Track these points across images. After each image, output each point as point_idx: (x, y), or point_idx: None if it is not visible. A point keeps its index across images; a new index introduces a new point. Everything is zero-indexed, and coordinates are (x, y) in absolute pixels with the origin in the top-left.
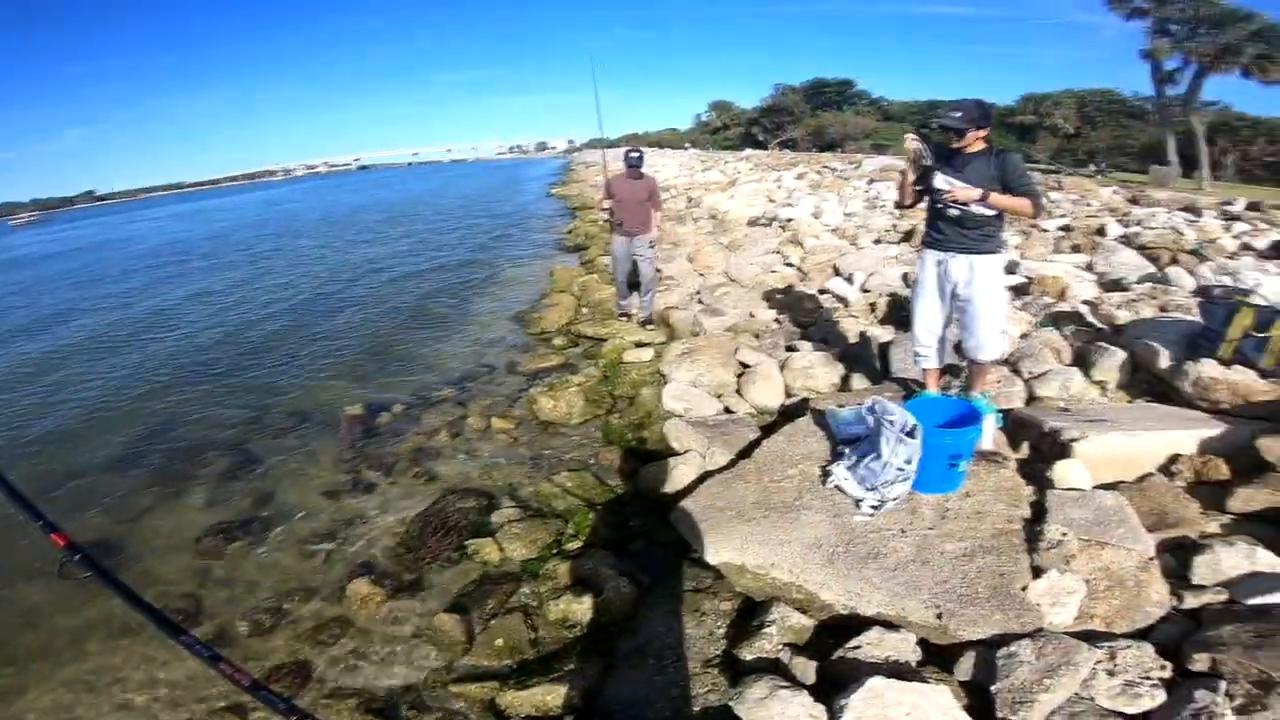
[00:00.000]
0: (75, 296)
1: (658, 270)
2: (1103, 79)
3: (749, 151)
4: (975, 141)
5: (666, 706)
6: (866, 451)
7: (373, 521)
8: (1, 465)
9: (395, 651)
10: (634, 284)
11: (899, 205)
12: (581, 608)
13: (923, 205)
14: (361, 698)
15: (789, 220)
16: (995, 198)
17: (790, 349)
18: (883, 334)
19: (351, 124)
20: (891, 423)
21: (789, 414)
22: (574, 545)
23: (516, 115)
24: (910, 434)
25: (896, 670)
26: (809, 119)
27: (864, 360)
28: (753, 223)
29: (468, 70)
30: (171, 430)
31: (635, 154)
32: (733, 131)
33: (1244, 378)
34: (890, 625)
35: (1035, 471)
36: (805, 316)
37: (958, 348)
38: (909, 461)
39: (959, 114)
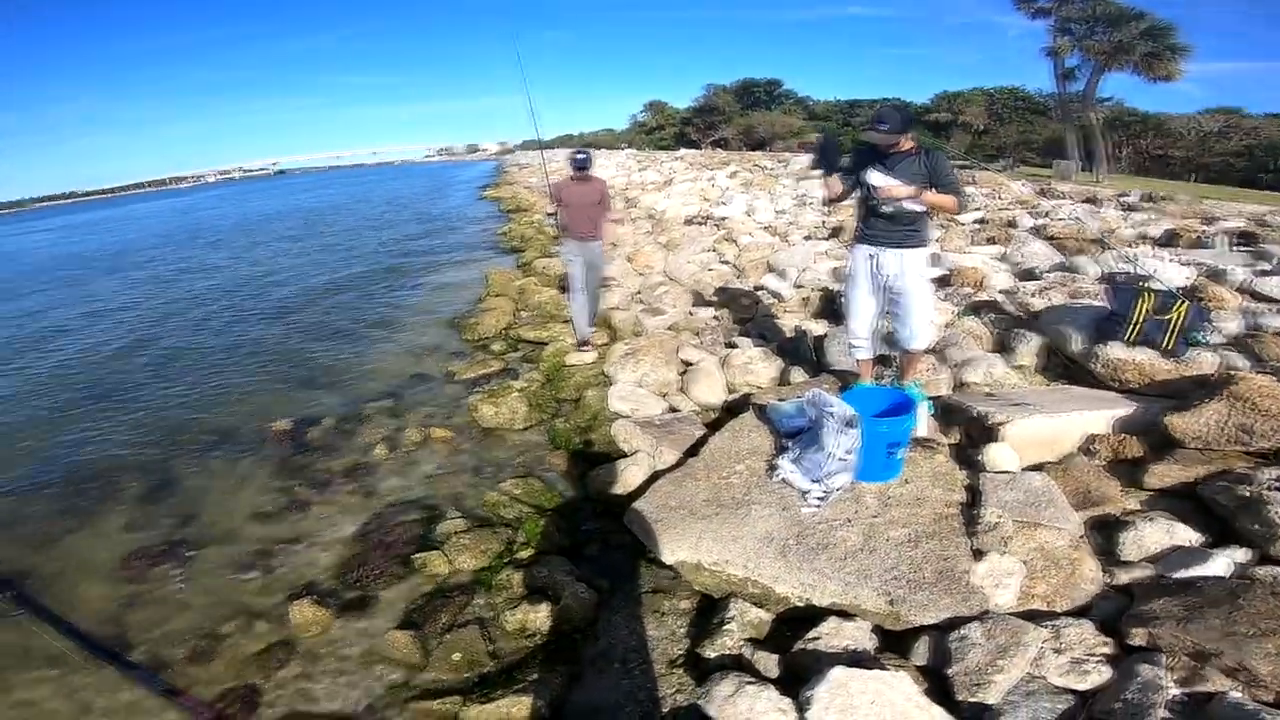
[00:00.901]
0: None
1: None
2: (1009, 77)
3: (683, 151)
4: (905, 142)
5: (636, 710)
6: (809, 444)
7: (311, 540)
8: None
9: (347, 672)
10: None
11: (827, 202)
12: (540, 616)
13: (850, 201)
14: None
15: (723, 219)
16: (927, 195)
17: (730, 345)
18: (817, 327)
19: (267, 127)
20: (831, 414)
21: (733, 410)
22: (527, 553)
23: (447, 119)
24: (850, 424)
25: (856, 659)
26: (739, 118)
27: (801, 354)
28: (689, 221)
29: (393, 73)
30: (78, 454)
31: (582, 155)
32: (667, 131)
33: (1149, 358)
34: (846, 614)
35: (967, 456)
36: (743, 313)
37: (888, 338)
38: (850, 451)
39: (885, 126)
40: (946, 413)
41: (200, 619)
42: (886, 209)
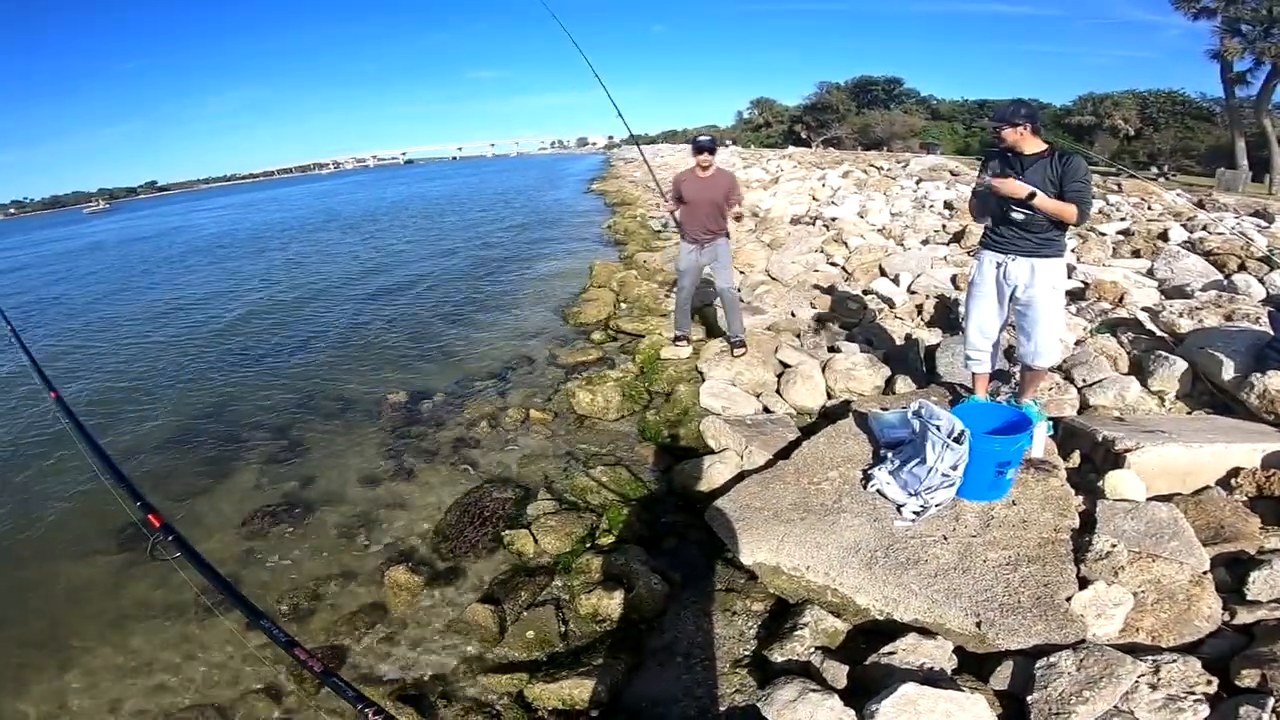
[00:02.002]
0: (144, 280)
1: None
2: (1161, 79)
3: (792, 149)
4: (1030, 140)
5: (692, 705)
6: (910, 456)
7: (412, 508)
8: (110, 451)
9: (429, 639)
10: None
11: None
12: (612, 603)
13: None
14: (394, 684)
15: (833, 219)
16: (1040, 200)
17: (833, 350)
18: (929, 336)
19: (398, 119)
20: (938, 427)
21: (830, 415)
22: (607, 540)
23: (559, 111)
24: (957, 439)
25: (930, 677)
26: (854, 117)
27: (909, 363)
28: (795, 221)
29: (507, 68)
30: (223, 413)
31: (706, 139)
32: (775, 129)
33: None
34: (927, 632)
35: (1086, 481)
36: (849, 317)
37: (1008, 353)
38: (955, 467)
39: (1006, 113)
40: (1068, 435)
41: (306, 577)
42: (1017, 215)
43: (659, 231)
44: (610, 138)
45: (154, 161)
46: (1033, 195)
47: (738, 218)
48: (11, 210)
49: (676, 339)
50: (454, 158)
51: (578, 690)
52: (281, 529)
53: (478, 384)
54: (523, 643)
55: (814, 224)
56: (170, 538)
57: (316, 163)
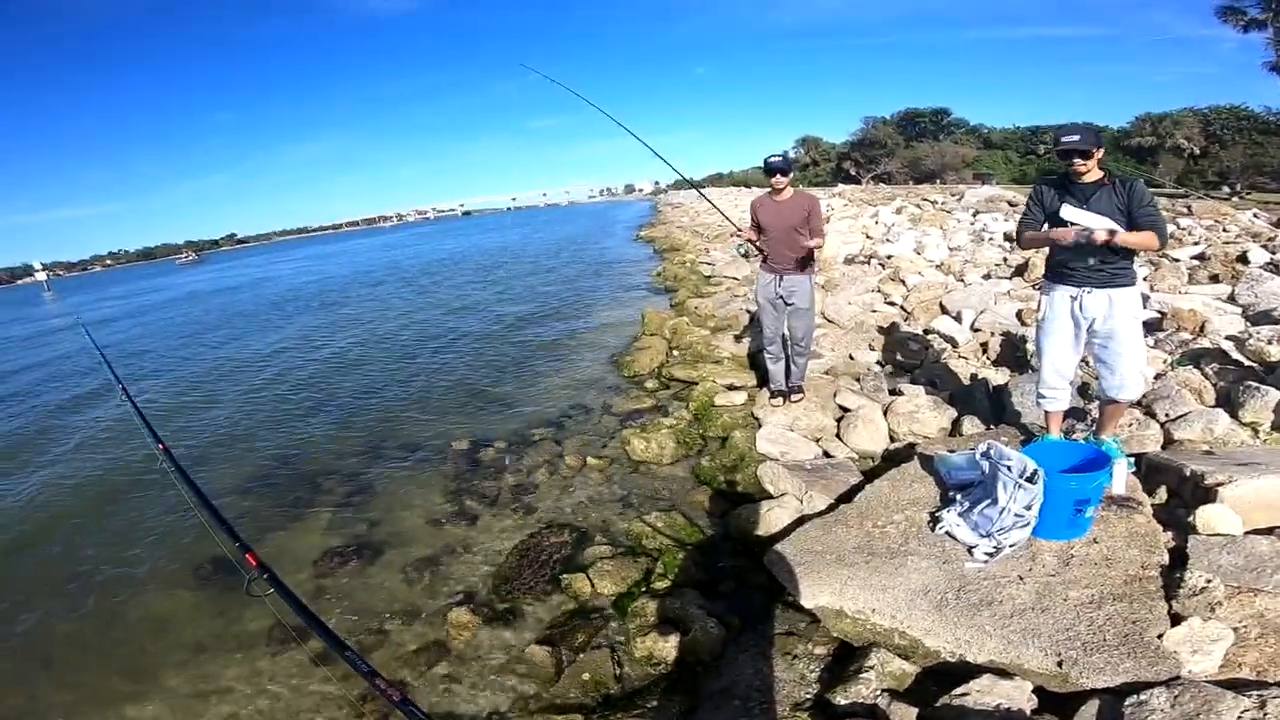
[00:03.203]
0: (233, 330)
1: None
2: (1223, 94)
3: (841, 187)
4: (1092, 169)
5: None
6: (980, 498)
7: (474, 551)
8: (207, 491)
9: (487, 678)
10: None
11: (1021, 247)
12: (667, 646)
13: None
14: None
15: (889, 257)
16: (1123, 236)
17: (894, 392)
18: (996, 376)
19: (457, 171)
20: (1009, 468)
21: (893, 459)
22: (663, 584)
23: (605, 158)
24: (1030, 479)
25: (1008, 718)
26: (903, 150)
27: (975, 403)
28: (850, 261)
29: (559, 115)
30: (301, 458)
31: (778, 159)
32: (823, 167)
33: None
34: (1003, 673)
35: (1174, 517)
36: (910, 358)
37: (1082, 390)
38: (1029, 507)
39: (1077, 137)
40: (1153, 471)
41: (372, 615)
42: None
43: (709, 277)
44: (656, 183)
45: (234, 214)
46: (1110, 238)
47: (815, 248)
48: (109, 261)
49: (773, 395)
50: (509, 208)
51: None
52: (351, 569)
53: (535, 432)
54: (578, 684)
55: (869, 263)
56: (265, 575)
57: (382, 215)
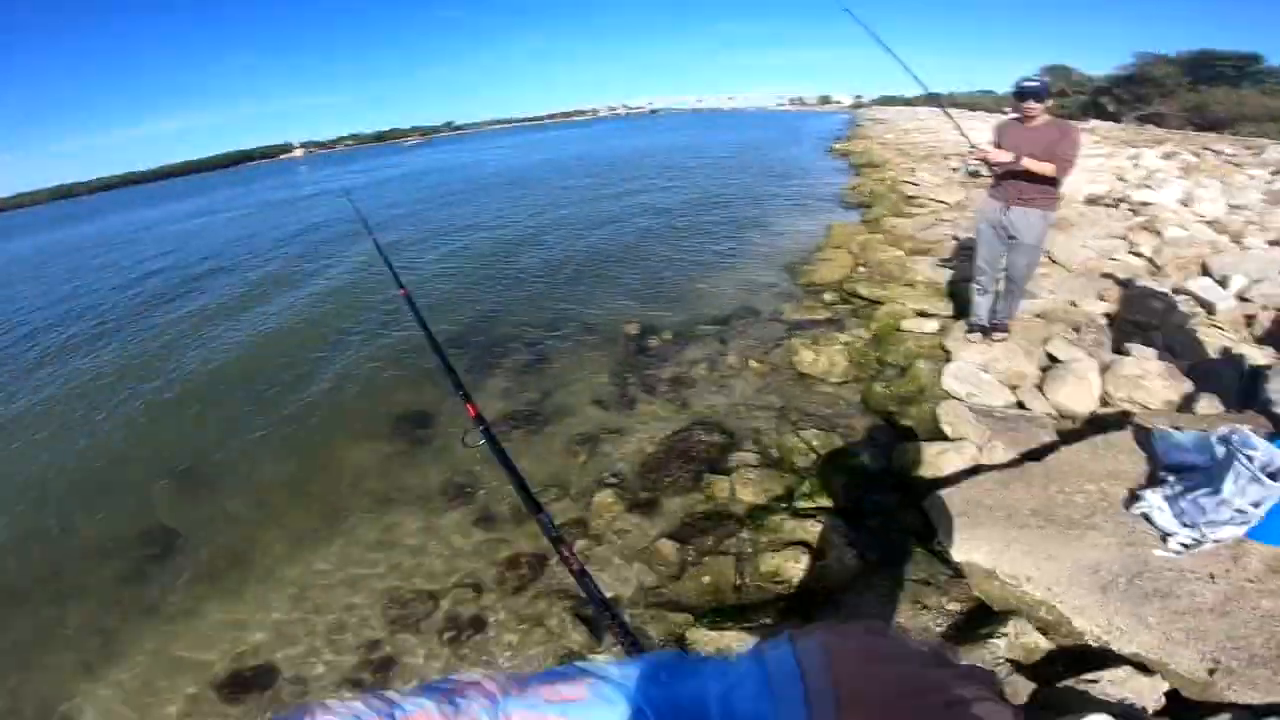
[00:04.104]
0: (448, 205)
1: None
2: None
3: (1094, 123)
4: None
5: None
6: (1198, 484)
7: (628, 435)
8: (442, 343)
9: (615, 563)
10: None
11: None
12: (796, 567)
13: None
14: (573, 599)
15: (1144, 204)
16: None
17: (1119, 351)
18: (1258, 355)
19: (644, 70)
20: (1250, 458)
21: (1099, 424)
22: (806, 504)
23: (798, 67)
24: (1273, 475)
25: (1127, 713)
26: (1187, 94)
27: (1222, 381)
28: (1092, 201)
29: (756, 21)
30: (490, 325)
31: (1034, 83)
32: (1072, 100)
33: None
34: (1143, 668)
35: None
36: (1147, 317)
37: None
38: (1257, 505)
39: None
40: None
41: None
42: None
43: (912, 197)
44: (858, 97)
45: (452, 103)
46: None
47: (1050, 174)
48: (349, 142)
49: (971, 329)
50: (694, 110)
51: (736, 644)
52: (518, 435)
53: (701, 328)
54: (697, 586)
55: (1116, 207)
56: (481, 427)
57: (579, 109)
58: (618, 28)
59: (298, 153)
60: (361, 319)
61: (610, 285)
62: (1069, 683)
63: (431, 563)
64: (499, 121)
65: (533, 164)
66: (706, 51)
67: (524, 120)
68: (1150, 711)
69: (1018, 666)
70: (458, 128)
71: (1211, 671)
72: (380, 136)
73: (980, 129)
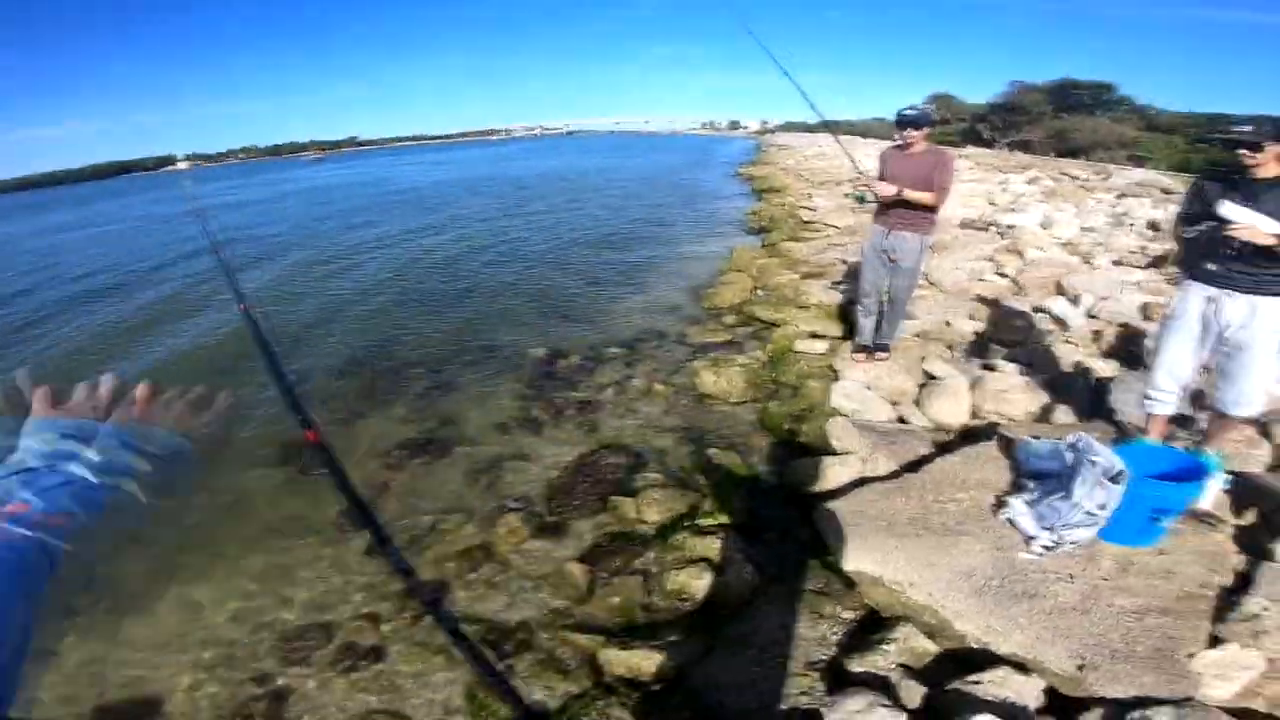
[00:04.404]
0: (342, 222)
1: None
2: None
3: (970, 150)
4: (1272, 163)
5: (754, 698)
6: (1054, 489)
7: (534, 460)
8: (281, 364)
9: (524, 587)
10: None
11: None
12: (700, 584)
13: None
14: (485, 624)
15: (1009, 227)
16: None
17: (987, 367)
18: (1104, 368)
19: (563, 90)
20: (1094, 463)
21: (970, 436)
22: (708, 521)
23: (712, 93)
24: (1114, 479)
25: (1010, 713)
26: (1051, 120)
27: (1073, 392)
28: (965, 225)
29: (669, 44)
30: (388, 349)
31: (912, 112)
32: (954, 127)
33: None
34: (1021, 667)
35: (1255, 541)
36: (1011, 334)
37: (1195, 397)
38: (1103, 507)
39: (1249, 127)
40: (1248, 491)
41: (429, 510)
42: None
43: (808, 222)
44: (764, 123)
45: (356, 118)
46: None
47: (929, 203)
48: (241, 155)
49: (856, 349)
50: (611, 131)
51: (646, 662)
52: (417, 463)
53: (609, 350)
54: (606, 607)
55: (986, 230)
56: (321, 455)
57: (492, 129)
58: (536, 48)
59: (182, 165)
60: (205, 334)
61: (517, 308)
62: (956, 685)
63: (323, 593)
64: (406, 138)
65: (439, 183)
66: (626, 74)
67: (433, 138)
68: (1033, 710)
69: (910, 671)
70: (361, 143)
71: (1080, 668)
72: (276, 150)
73: (870, 155)
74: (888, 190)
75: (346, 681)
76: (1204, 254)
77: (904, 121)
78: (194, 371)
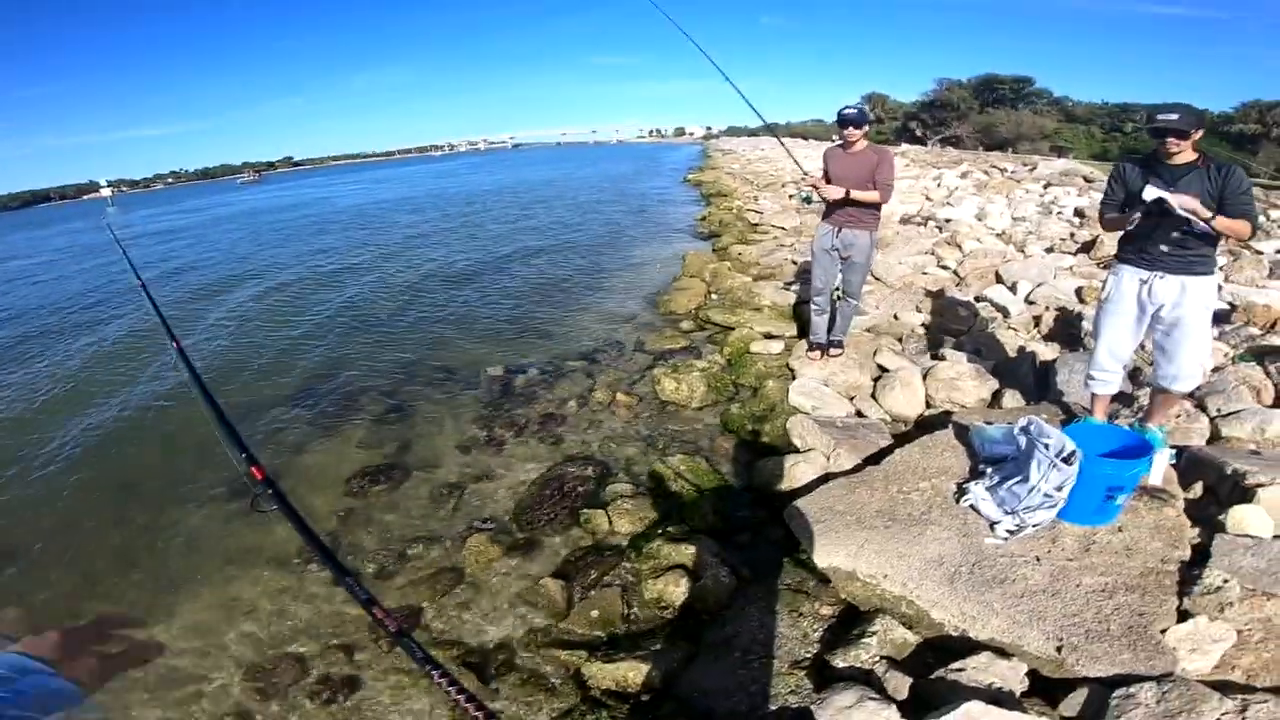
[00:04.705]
0: (284, 248)
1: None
2: None
3: (905, 147)
4: (1186, 150)
5: (744, 700)
6: (1012, 473)
7: (498, 479)
8: (220, 400)
9: (499, 607)
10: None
11: (1103, 228)
12: (677, 591)
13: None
14: (462, 648)
15: (947, 220)
16: (1220, 221)
17: (937, 358)
18: (1046, 351)
19: (507, 104)
20: (1046, 446)
21: (927, 425)
22: (679, 529)
23: (658, 100)
24: (1066, 460)
25: (997, 698)
26: (976, 116)
27: (1020, 377)
28: (905, 220)
29: (609, 55)
30: (338, 376)
31: (852, 110)
32: (887, 126)
33: None
34: (1001, 652)
35: (1206, 514)
36: (957, 324)
37: (1133, 375)
38: (1059, 488)
39: (1175, 116)
40: (1192, 465)
41: (395, 538)
42: (1174, 231)
43: (756, 225)
44: (709, 129)
45: (291, 138)
46: (1214, 217)
47: (873, 201)
48: (170, 180)
49: (811, 347)
50: (558, 144)
51: (632, 673)
52: (379, 490)
53: (569, 364)
54: (586, 621)
55: (925, 225)
56: (270, 491)
57: (434, 144)
58: (479, 59)
59: (105, 192)
60: (137, 383)
61: (471, 326)
62: (940, 673)
63: (290, 627)
64: (345, 156)
65: (382, 202)
66: (571, 85)
67: (373, 155)
68: (1018, 693)
69: (893, 663)
70: (298, 163)
71: (1059, 649)
72: (207, 173)
73: (811, 156)
74: (836, 193)
75: (326, 713)
76: (1135, 239)
77: (845, 120)
78: (131, 430)
